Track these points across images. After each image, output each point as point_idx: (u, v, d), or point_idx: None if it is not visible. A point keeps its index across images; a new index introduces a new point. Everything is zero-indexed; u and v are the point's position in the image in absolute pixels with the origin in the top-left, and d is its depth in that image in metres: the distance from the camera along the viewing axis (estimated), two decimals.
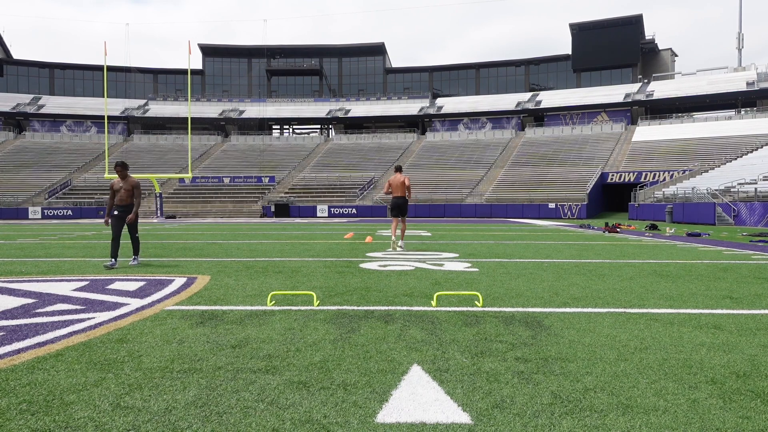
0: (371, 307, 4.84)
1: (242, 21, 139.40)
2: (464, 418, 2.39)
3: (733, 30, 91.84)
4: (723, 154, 42.66)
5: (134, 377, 2.91)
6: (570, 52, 66.07)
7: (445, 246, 12.24)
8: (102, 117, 61.38)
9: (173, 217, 40.54)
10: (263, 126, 67.96)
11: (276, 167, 55.28)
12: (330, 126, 70.54)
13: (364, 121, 67.84)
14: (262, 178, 50.15)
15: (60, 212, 43.86)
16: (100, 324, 4.19)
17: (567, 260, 8.99)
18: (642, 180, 41.54)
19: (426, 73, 73.03)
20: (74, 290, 5.83)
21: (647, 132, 53.48)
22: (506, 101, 64.28)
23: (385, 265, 8.08)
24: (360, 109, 67.45)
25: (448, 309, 4.76)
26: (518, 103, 63.38)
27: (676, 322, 4.25)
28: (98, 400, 2.59)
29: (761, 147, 40.73)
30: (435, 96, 69.54)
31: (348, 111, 67.16)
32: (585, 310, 4.76)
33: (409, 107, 66.78)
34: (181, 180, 49.09)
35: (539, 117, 62.46)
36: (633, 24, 62.10)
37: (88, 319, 4.37)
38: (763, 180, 28.81)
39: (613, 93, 60.00)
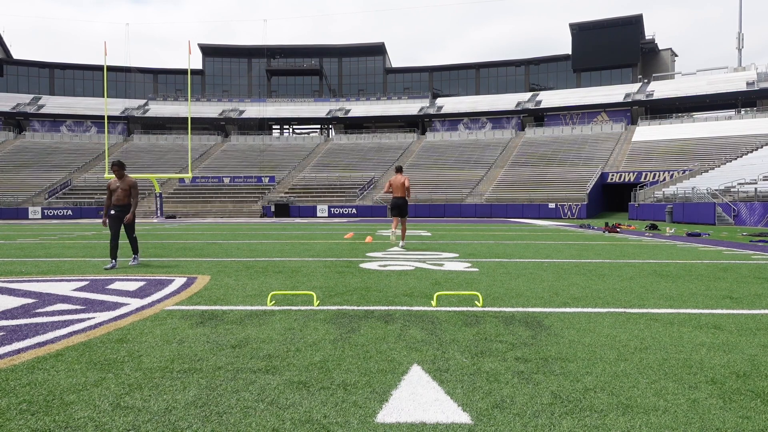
0: (371, 307, 4.84)
1: (242, 21, 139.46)
2: (464, 418, 2.39)
3: (733, 30, 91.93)
4: (723, 154, 42.66)
5: (134, 377, 2.91)
6: (570, 52, 66.07)
7: (445, 246, 12.24)
8: (102, 117, 61.39)
9: (173, 217, 40.54)
10: (263, 126, 67.96)
11: (276, 167, 55.28)
12: (330, 126, 70.55)
13: (364, 121, 67.84)
14: (262, 178, 50.15)
15: (60, 212, 43.86)
16: (100, 324, 4.19)
17: (567, 260, 8.99)
18: (642, 180, 41.54)
19: (426, 73, 73.03)
20: (74, 290, 5.83)
21: (647, 132, 53.48)
22: (506, 101, 64.28)
23: (385, 265, 8.08)
24: (360, 109, 67.45)
25: (448, 309, 4.76)
26: (518, 103, 63.39)
27: (676, 322, 4.25)
28: (98, 400, 2.59)
29: (761, 147, 40.74)
30: (435, 96, 69.55)
31: (348, 111, 67.17)
32: (585, 310, 4.76)
33: (409, 107, 66.78)
34: (181, 180, 49.10)
35: (539, 117, 62.46)
36: (633, 24, 62.10)
37: (88, 319, 4.37)
38: (763, 180, 28.81)
39: (613, 93, 60.01)
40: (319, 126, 71.83)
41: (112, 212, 8.23)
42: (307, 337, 3.77)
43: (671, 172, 40.80)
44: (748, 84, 54.04)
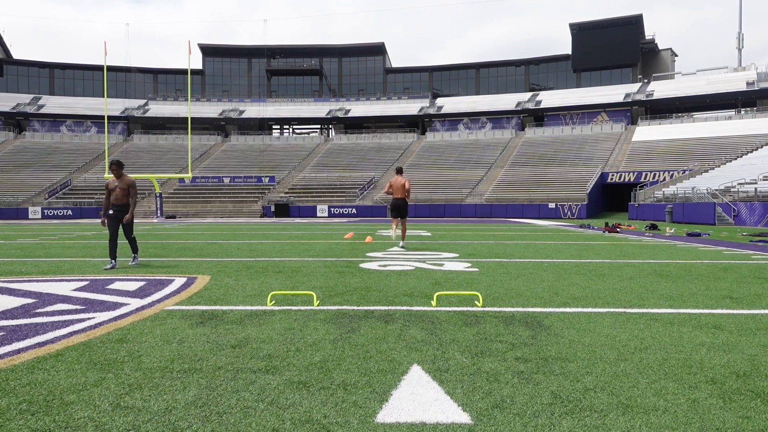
0: (371, 307, 4.84)
1: (242, 21, 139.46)
2: (464, 418, 2.39)
3: (733, 30, 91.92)
4: (723, 154, 42.67)
5: (134, 377, 2.91)
6: (570, 52, 66.07)
7: (445, 246, 12.24)
8: (102, 117, 61.39)
9: (173, 217, 40.54)
10: (263, 126, 67.96)
11: (276, 167, 55.28)
12: (330, 126, 70.55)
13: (364, 121, 67.84)
14: (262, 178, 50.15)
15: (60, 212, 43.86)
16: (100, 324, 4.19)
17: (567, 260, 8.99)
18: (642, 180, 41.54)
19: (426, 73, 73.03)
20: (74, 290, 5.83)
21: (647, 132, 53.48)
22: (506, 101, 64.28)
23: (385, 265, 8.08)
24: (360, 109, 67.45)
25: (448, 309, 4.76)
26: (518, 103, 63.39)
27: (676, 322, 4.25)
28: (98, 400, 2.59)
29: (761, 147, 40.74)
30: (435, 96, 69.55)
31: (348, 111, 67.17)
32: (585, 310, 4.76)
33: (409, 107, 66.78)
34: (181, 180, 49.10)
35: (539, 117, 62.46)
36: (633, 24, 62.10)
37: (88, 319, 4.37)
38: (763, 180, 28.81)
39: (613, 93, 60.01)
40: (319, 126, 71.83)
41: (111, 212, 8.14)
42: (307, 337, 3.77)
43: (671, 172, 40.81)
44: (748, 84, 54.04)
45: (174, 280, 6.63)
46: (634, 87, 60.48)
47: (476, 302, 5.01)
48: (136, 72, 71.91)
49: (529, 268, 7.80)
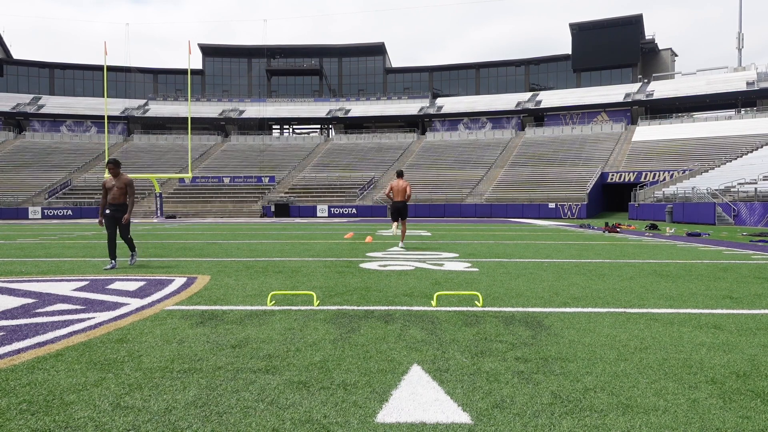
0: (371, 307, 4.84)
1: (242, 21, 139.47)
2: (464, 418, 2.39)
3: (733, 30, 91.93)
4: (723, 154, 42.67)
5: (134, 377, 2.91)
6: (570, 52, 66.07)
7: (445, 246, 12.24)
8: (102, 117, 61.40)
9: (173, 216, 40.54)
10: (263, 126, 67.97)
11: (276, 167, 55.28)
12: (330, 126, 70.56)
13: (364, 121, 67.84)
14: (262, 178, 50.15)
15: (60, 212, 43.87)
16: (100, 324, 4.19)
17: (567, 260, 8.99)
18: (642, 180, 41.55)
19: (426, 73, 73.03)
20: (74, 290, 5.83)
21: (647, 132, 53.49)
22: (506, 101, 64.29)
23: (385, 265, 8.08)
24: (360, 109, 67.46)
25: (448, 309, 4.76)
26: (518, 103, 63.39)
27: (676, 322, 4.25)
28: (98, 400, 2.59)
29: (761, 147, 40.74)
30: (435, 96, 69.56)
31: (348, 111, 67.17)
32: (585, 310, 4.76)
33: (409, 107, 66.79)
34: (181, 180, 49.10)
35: (539, 117, 62.46)
36: (633, 24, 62.10)
37: (88, 319, 4.37)
38: (763, 180, 28.82)
39: (613, 93, 60.01)
40: (319, 126, 71.83)
41: (108, 212, 8.02)
42: (307, 337, 3.77)
43: (671, 172, 40.81)
44: (748, 84, 54.04)
45: (174, 280, 6.63)
46: (634, 87, 60.48)
47: (476, 302, 5.01)
48: (136, 72, 71.92)
49: (529, 268, 7.80)
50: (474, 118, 63.95)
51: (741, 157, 39.20)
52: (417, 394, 2.67)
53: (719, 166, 37.57)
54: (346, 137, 64.40)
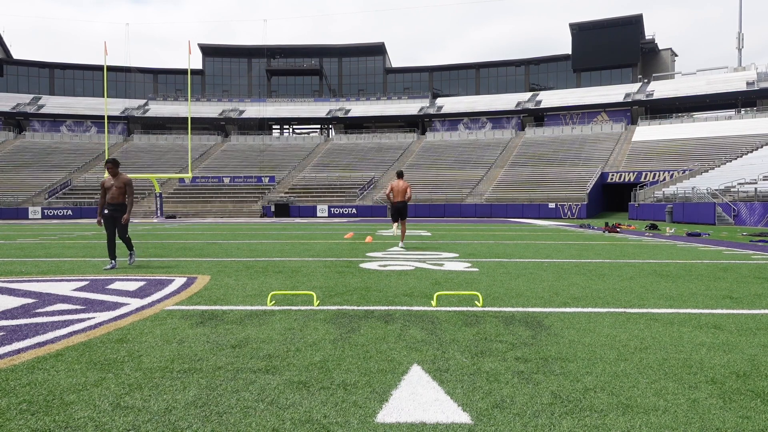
0: (371, 307, 4.84)
1: (242, 21, 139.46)
2: (464, 418, 2.39)
3: (733, 30, 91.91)
4: (723, 154, 42.67)
5: (134, 377, 2.91)
6: (570, 52, 66.07)
7: (445, 246, 12.24)
8: (102, 117, 61.41)
9: (173, 216, 40.55)
10: (263, 126, 67.97)
11: (276, 167, 55.28)
12: (330, 126, 70.56)
13: (364, 121, 67.85)
14: (262, 178, 50.15)
15: (60, 212, 43.87)
16: (100, 324, 4.19)
17: (567, 260, 8.99)
18: (642, 180, 41.55)
19: (426, 73, 73.03)
20: (74, 290, 5.83)
21: (647, 132, 53.49)
22: (506, 101, 64.29)
23: (385, 265, 8.08)
24: (360, 109, 67.46)
25: (448, 309, 4.76)
26: (518, 103, 63.40)
27: (676, 322, 4.25)
28: (98, 400, 2.59)
29: (761, 147, 40.74)
30: (435, 96, 69.56)
31: (348, 111, 67.18)
32: (585, 310, 4.76)
33: (409, 107, 66.79)
34: (181, 180, 49.11)
35: (539, 117, 62.46)
36: (633, 24, 62.10)
37: (88, 319, 4.37)
38: (763, 180, 28.82)
39: (613, 93, 60.02)
40: (319, 126, 71.83)
41: (106, 211, 7.97)
42: (307, 337, 3.77)
43: (671, 172, 40.81)
44: (748, 84, 54.04)
45: (174, 280, 6.63)
46: (634, 87, 60.48)
47: (476, 302, 5.01)
48: (136, 72, 71.92)
49: (529, 268, 7.80)
50: (474, 118, 63.96)
51: (741, 157, 39.20)
52: (417, 394, 2.67)
53: (719, 166, 37.57)
54: (346, 137, 64.40)
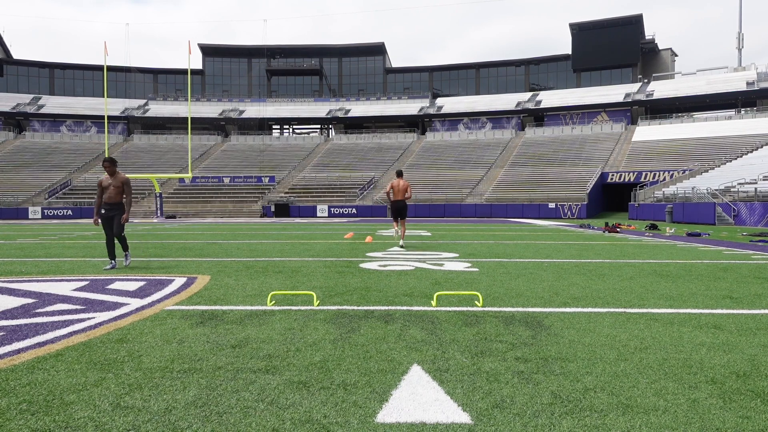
0: (371, 307, 4.84)
1: (242, 21, 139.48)
2: (464, 418, 2.39)
3: (733, 30, 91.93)
4: (723, 154, 42.67)
5: (134, 377, 2.91)
6: (570, 52, 66.08)
7: (445, 246, 12.24)
8: (102, 117, 61.41)
9: (173, 216, 40.54)
10: (263, 126, 67.97)
11: (276, 167, 55.28)
12: (330, 126, 70.56)
13: (364, 121, 67.85)
14: (262, 178, 50.15)
15: (60, 212, 43.86)
16: (100, 324, 4.19)
17: (567, 260, 8.99)
18: (642, 180, 41.55)
19: (426, 73, 73.03)
20: (74, 290, 5.83)
21: (647, 132, 53.49)
22: (506, 101, 64.29)
23: (385, 265, 8.08)
24: (360, 109, 67.46)
25: (448, 309, 4.76)
26: (518, 103, 63.40)
27: (676, 322, 4.25)
28: (98, 400, 2.59)
29: (761, 147, 40.74)
30: (435, 96, 69.56)
31: (348, 111, 67.18)
32: (585, 310, 4.76)
33: (409, 107, 66.79)
34: (181, 180, 49.11)
35: (539, 117, 62.47)
36: (633, 24, 62.11)
37: (88, 319, 4.37)
38: (763, 180, 28.81)
39: (613, 93, 60.02)
40: (319, 126, 71.84)
41: (103, 211, 7.90)
42: (307, 337, 3.77)
43: (671, 172, 40.81)
44: (748, 84, 54.04)
45: (174, 280, 6.63)
46: (634, 87, 60.49)
47: (476, 302, 5.01)
48: (136, 72, 71.92)
49: (529, 268, 7.79)
50: (474, 118, 63.96)
51: (741, 157, 39.20)
52: (417, 394, 2.67)
53: (719, 166, 37.57)
54: (346, 137, 64.40)
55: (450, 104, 66.13)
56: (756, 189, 27.40)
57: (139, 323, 4.22)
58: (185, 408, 2.49)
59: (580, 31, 64.56)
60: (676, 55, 67.11)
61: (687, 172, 38.69)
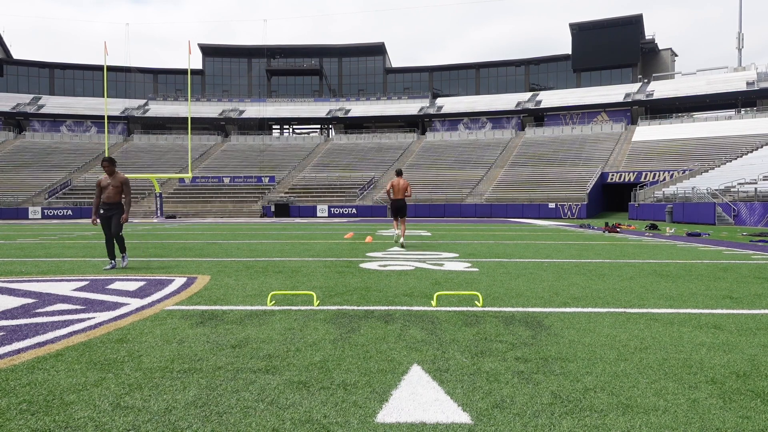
0: (371, 307, 4.84)
1: (242, 21, 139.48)
2: (464, 418, 2.39)
3: (733, 30, 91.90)
4: (723, 154, 42.67)
5: (134, 377, 2.91)
6: (570, 52, 66.08)
7: (445, 246, 12.24)
8: (102, 117, 61.40)
9: (173, 216, 40.54)
10: (263, 126, 67.97)
11: (276, 167, 55.28)
12: (330, 126, 70.56)
13: (364, 121, 67.85)
14: (262, 178, 50.15)
15: (60, 212, 43.87)
16: (100, 324, 4.19)
17: (567, 260, 8.99)
18: (642, 180, 41.55)
19: (426, 73, 73.03)
20: (74, 290, 5.83)
21: (647, 132, 53.49)
22: (506, 101, 64.29)
23: (385, 265, 8.08)
24: (360, 109, 67.46)
25: (448, 309, 4.76)
26: (518, 103, 63.40)
27: (676, 322, 4.25)
28: (98, 400, 2.59)
29: (761, 147, 40.74)
30: (435, 96, 69.56)
31: (348, 111, 67.17)
32: (585, 310, 4.76)
33: (409, 107, 66.79)
34: (181, 180, 49.11)
35: (539, 117, 62.47)
36: (633, 24, 62.10)
37: (88, 319, 4.37)
38: (763, 180, 28.81)
39: (613, 93, 60.02)
40: (319, 126, 71.84)
41: (102, 211, 7.86)
42: (307, 337, 3.77)
43: (671, 172, 40.81)
44: (748, 84, 54.04)
45: (174, 280, 6.63)
46: (634, 87, 60.48)
47: (476, 302, 5.01)
48: (136, 72, 71.91)
49: (529, 268, 7.79)
50: (474, 118, 63.96)
51: (741, 157, 39.20)
52: (417, 394, 2.67)
53: (719, 166, 37.57)
54: (346, 137, 64.40)
55: (450, 104, 66.12)
56: (756, 189, 27.40)
57: (139, 323, 4.22)
58: (185, 408, 2.49)
59: (580, 31, 64.55)
60: (676, 55, 67.14)
61: (687, 172, 38.68)
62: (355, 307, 4.84)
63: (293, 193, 48.61)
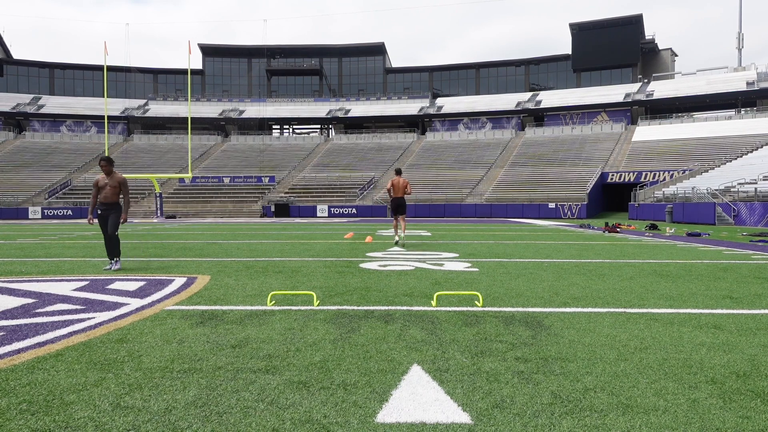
0: (371, 307, 4.84)
1: (242, 21, 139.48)
2: (464, 418, 2.39)
3: (733, 30, 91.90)
4: (723, 154, 42.67)
5: (134, 377, 2.91)
6: (570, 52, 66.07)
7: (445, 246, 12.24)
8: (102, 117, 61.40)
9: (173, 216, 40.55)
10: (263, 126, 67.97)
11: (276, 167, 55.28)
12: (330, 126, 70.56)
13: (364, 121, 67.84)
14: (262, 178, 50.15)
15: (60, 212, 43.86)
16: (100, 324, 4.19)
17: (567, 260, 8.99)
18: (642, 180, 41.55)
19: (426, 73, 73.02)
20: (74, 290, 5.83)
21: (647, 132, 53.49)
22: (506, 101, 64.29)
23: (385, 265, 8.08)
24: (360, 109, 67.45)
25: (448, 309, 4.76)
26: (518, 103, 63.39)
27: (676, 322, 4.25)
28: (98, 400, 2.59)
29: (761, 147, 40.74)
30: (435, 96, 69.55)
31: (348, 111, 67.17)
32: (585, 310, 4.76)
33: (409, 107, 66.79)
34: (181, 180, 49.11)
35: (539, 117, 62.46)
36: (633, 24, 62.10)
37: (88, 319, 4.37)
38: (763, 180, 28.81)
39: (613, 93, 60.01)
40: (319, 126, 71.84)
41: (99, 211, 7.81)
42: (307, 337, 3.77)
43: (671, 172, 40.81)
44: (748, 84, 54.04)
45: (174, 280, 6.63)
46: (634, 87, 60.48)
47: (476, 302, 5.01)
48: (136, 72, 71.91)
49: (529, 268, 7.79)
50: (474, 118, 63.95)
51: (741, 157, 39.20)
52: (417, 394, 2.67)
53: (719, 166, 37.57)
54: (346, 137, 64.39)
55: (450, 104, 66.12)
56: (756, 189, 27.40)
57: (139, 323, 4.22)
58: (185, 408, 2.49)
59: (580, 31, 64.55)
60: (676, 55, 67.14)
61: (687, 172, 38.68)
62: (355, 307, 4.84)
63: (293, 193, 48.61)
